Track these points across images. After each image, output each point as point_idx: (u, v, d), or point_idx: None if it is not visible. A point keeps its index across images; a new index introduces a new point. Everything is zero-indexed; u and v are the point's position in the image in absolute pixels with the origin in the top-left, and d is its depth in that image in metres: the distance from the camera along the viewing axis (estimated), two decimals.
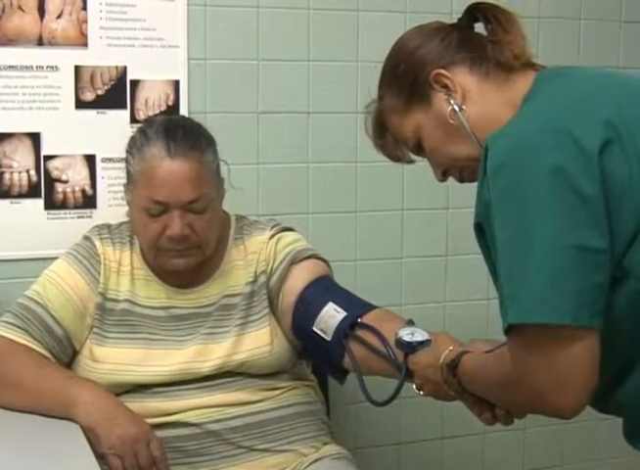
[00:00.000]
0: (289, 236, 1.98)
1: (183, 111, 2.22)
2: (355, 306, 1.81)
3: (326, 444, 1.91)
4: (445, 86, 1.43)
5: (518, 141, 1.24)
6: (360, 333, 1.75)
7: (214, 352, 1.85)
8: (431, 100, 1.45)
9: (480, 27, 1.50)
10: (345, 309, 1.78)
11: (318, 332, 1.75)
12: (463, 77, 1.43)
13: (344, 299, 1.84)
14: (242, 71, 2.29)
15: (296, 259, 1.92)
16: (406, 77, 1.47)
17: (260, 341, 1.88)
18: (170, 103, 2.22)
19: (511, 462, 2.62)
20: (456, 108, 1.42)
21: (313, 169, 2.39)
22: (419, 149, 1.52)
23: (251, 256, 1.94)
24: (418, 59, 1.46)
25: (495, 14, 1.45)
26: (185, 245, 1.83)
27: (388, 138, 1.56)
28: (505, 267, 1.23)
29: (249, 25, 2.28)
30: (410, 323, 1.70)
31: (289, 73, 2.33)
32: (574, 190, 1.19)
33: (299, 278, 1.89)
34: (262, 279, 1.92)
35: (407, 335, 1.63)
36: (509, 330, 1.23)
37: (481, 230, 1.30)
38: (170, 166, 1.79)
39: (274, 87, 2.32)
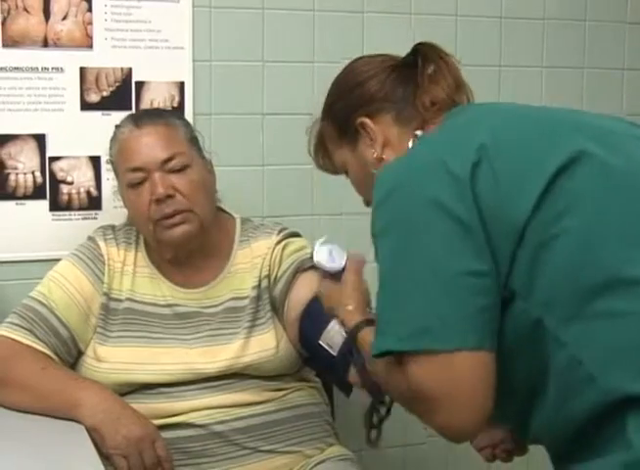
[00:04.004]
0: (296, 242, 1.98)
1: (188, 112, 2.22)
2: None
3: (331, 445, 1.91)
4: (368, 133, 1.47)
5: (397, 176, 1.28)
6: None
7: (221, 354, 1.85)
8: (357, 143, 1.49)
9: None
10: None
11: (324, 346, 1.75)
12: (386, 127, 1.46)
13: None
14: (247, 73, 2.29)
15: (301, 268, 1.92)
16: (339, 115, 1.51)
17: (266, 344, 1.88)
18: (175, 104, 2.23)
19: (517, 464, 2.61)
20: (376, 156, 1.45)
21: (318, 171, 2.37)
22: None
23: (256, 259, 1.94)
24: (352, 99, 1.49)
25: (434, 58, 1.47)
26: (173, 207, 1.83)
27: (330, 159, 1.59)
28: (385, 297, 1.25)
29: (254, 27, 2.29)
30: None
31: (294, 75, 2.33)
32: (452, 218, 1.21)
33: (305, 289, 1.88)
34: (265, 284, 1.92)
35: (326, 259, 1.60)
36: (389, 354, 1.24)
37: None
38: (140, 135, 1.87)
39: (279, 89, 2.32)
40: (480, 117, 1.37)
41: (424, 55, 1.47)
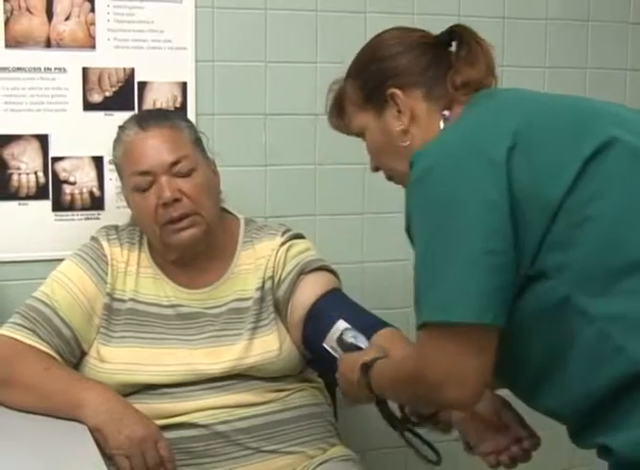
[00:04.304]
0: (300, 244, 1.98)
1: (190, 112, 2.22)
2: (365, 325, 1.80)
3: (333, 445, 1.91)
4: (398, 105, 1.50)
5: (434, 157, 1.34)
6: None
7: (225, 355, 1.85)
8: (384, 111, 1.53)
9: None
10: (355, 326, 1.78)
11: (328, 349, 1.75)
12: (415, 102, 1.50)
13: (355, 315, 1.83)
14: (249, 73, 2.29)
15: (305, 270, 1.92)
16: (371, 80, 1.54)
17: (269, 345, 1.88)
18: (178, 104, 2.23)
19: (521, 464, 2.61)
20: (402, 128, 1.50)
21: (320, 171, 2.39)
22: (362, 139, 1.61)
23: (260, 260, 1.94)
24: (386, 68, 1.52)
25: (469, 41, 1.52)
26: (180, 210, 1.83)
27: (345, 120, 1.63)
28: (420, 271, 1.32)
29: (256, 27, 2.29)
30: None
31: (296, 76, 2.33)
32: (484, 199, 1.28)
33: (309, 291, 1.89)
34: (269, 285, 1.92)
35: (351, 337, 1.72)
36: (420, 328, 1.31)
37: (409, 235, 1.40)
38: (145, 138, 1.86)
39: (281, 89, 2.32)
40: (512, 102, 1.44)
41: (460, 37, 1.53)
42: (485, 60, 1.51)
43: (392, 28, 1.59)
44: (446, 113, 1.48)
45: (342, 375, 1.63)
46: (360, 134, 1.61)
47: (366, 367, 1.54)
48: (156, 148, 1.85)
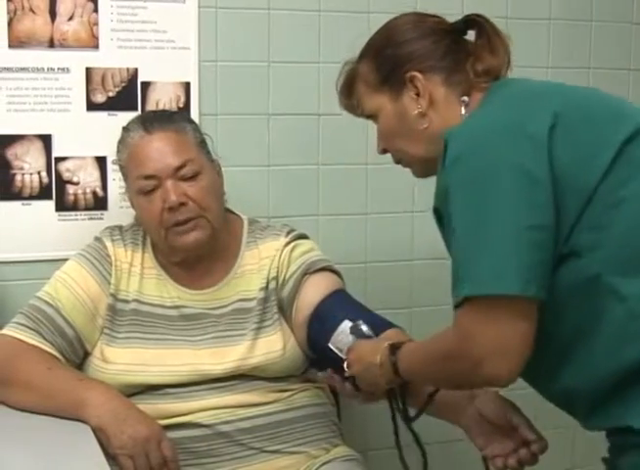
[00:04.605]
0: (304, 244, 1.98)
1: (194, 112, 2.22)
2: (371, 325, 1.78)
3: (336, 446, 1.91)
4: (417, 88, 1.51)
5: (474, 134, 1.37)
6: None
7: (229, 355, 1.85)
8: (401, 94, 1.54)
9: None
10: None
11: (334, 349, 1.75)
12: (435, 86, 1.52)
13: (359, 316, 1.81)
14: (252, 73, 2.29)
15: (309, 270, 1.92)
16: (388, 62, 1.54)
17: (273, 346, 1.88)
18: (181, 105, 2.23)
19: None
20: (420, 111, 1.51)
21: (323, 171, 2.39)
22: (372, 120, 1.62)
23: (264, 261, 1.94)
24: (404, 52, 1.53)
25: (489, 31, 1.54)
26: (186, 214, 1.83)
27: (354, 100, 1.64)
28: (462, 247, 1.34)
29: (259, 27, 2.29)
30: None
31: (299, 75, 2.33)
32: (525, 173, 1.30)
33: (313, 292, 1.89)
34: (273, 285, 1.92)
35: (367, 329, 1.72)
36: (460, 304, 1.33)
37: (439, 214, 1.41)
38: (150, 141, 1.86)
39: (285, 89, 2.32)
40: (547, 86, 1.50)
41: (479, 26, 1.55)
42: (504, 49, 1.54)
43: (407, 14, 1.60)
44: (466, 98, 1.50)
45: (361, 359, 1.62)
46: (372, 116, 1.61)
47: (394, 347, 1.54)
48: (161, 152, 1.85)
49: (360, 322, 1.74)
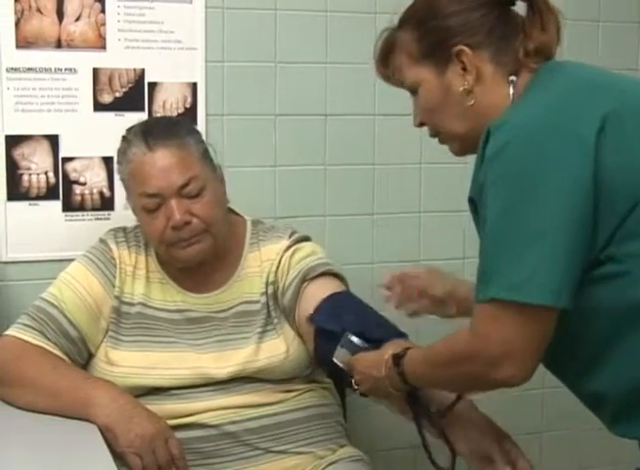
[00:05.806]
0: (304, 248, 1.96)
1: (200, 113, 2.22)
2: (371, 337, 1.73)
3: (342, 446, 1.91)
4: (464, 63, 1.44)
5: (517, 129, 1.30)
6: None
7: (233, 359, 1.85)
8: (446, 68, 1.45)
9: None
10: (358, 336, 1.70)
11: (338, 363, 1.73)
12: (482, 62, 1.44)
13: (360, 324, 1.75)
14: (259, 74, 2.30)
15: (308, 276, 1.89)
16: (433, 34, 1.46)
17: (277, 349, 1.87)
18: (188, 105, 2.23)
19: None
20: (466, 88, 1.44)
21: (330, 172, 2.39)
22: (410, 92, 1.54)
23: (265, 264, 1.94)
24: (451, 25, 1.44)
25: (541, 5, 1.45)
26: (190, 232, 1.82)
27: (390, 71, 1.56)
28: (495, 245, 1.29)
29: (266, 28, 2.29)
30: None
31: (306, 76, 2.33)
32: (568, 176, 1.25)
33: (314, 301, 1.84)
34: (271, 290, 1.92)
35: (358, 340, 1.67)
36: (484, 302, 1.29)
37: (474, 205, 1.37)
38: (153, 158, 1.81)
39: (291, 89, 2.32)
40: (601, 78, 1.41)
41: (532, 2, 1.45)
42: (556, 24, 1.45)
43: None
44: (514, 78, 1.42)
45: (366, 375, 1.59)
46: (411, 88, 1.52)
47: (397, 358, 1.50)
48: (164, 170, 1.81)
49: (347, 334, 1.68)
